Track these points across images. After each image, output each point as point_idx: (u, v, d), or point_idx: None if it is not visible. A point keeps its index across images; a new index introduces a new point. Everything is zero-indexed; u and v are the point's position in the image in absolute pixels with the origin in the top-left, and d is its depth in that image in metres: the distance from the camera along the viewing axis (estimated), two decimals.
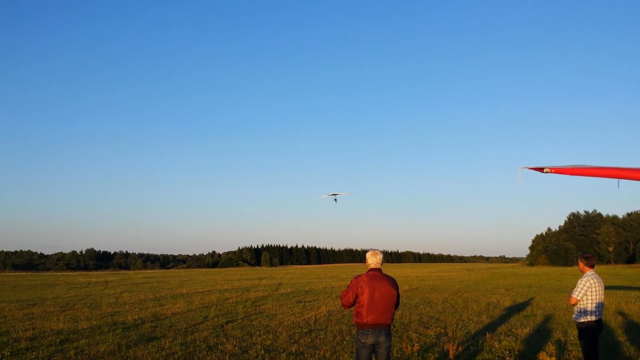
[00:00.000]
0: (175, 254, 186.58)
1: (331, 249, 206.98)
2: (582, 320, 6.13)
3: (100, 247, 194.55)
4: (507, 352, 8.48)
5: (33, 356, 8.34)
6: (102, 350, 8.76)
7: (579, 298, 6.12)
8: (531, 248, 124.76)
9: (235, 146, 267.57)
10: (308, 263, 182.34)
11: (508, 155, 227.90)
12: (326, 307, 15.86)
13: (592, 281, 6.09)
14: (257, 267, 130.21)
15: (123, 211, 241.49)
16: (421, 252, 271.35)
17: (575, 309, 6.25)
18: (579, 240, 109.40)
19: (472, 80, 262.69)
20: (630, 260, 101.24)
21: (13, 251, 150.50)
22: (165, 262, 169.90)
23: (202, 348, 8.95)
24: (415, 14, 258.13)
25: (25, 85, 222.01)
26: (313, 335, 10.33)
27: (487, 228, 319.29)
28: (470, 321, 12.56)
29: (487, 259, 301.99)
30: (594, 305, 6.06)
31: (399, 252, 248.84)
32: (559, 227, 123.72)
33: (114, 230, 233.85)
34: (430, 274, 50.86)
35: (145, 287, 29.07)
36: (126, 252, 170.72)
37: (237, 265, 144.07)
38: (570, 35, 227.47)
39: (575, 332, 8.03)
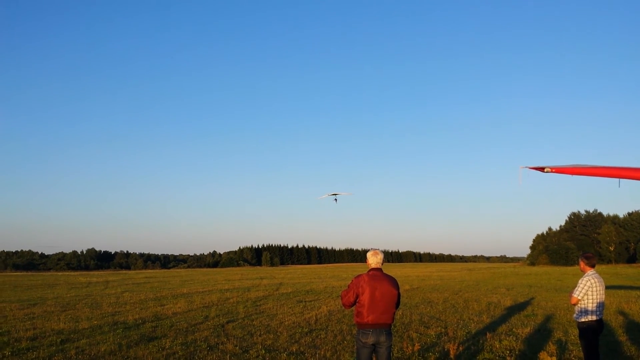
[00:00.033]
0: (176, 253, 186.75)
1: (332, 248, 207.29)
2: (582, 319, 6.12)
3: (101, 247, 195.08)
4: (508, 352, 8.48)
5: (34, 356, 8.35)
6: (102, 350, 8.77)
7: (579, 298, 6.12)
8: (532, 248, 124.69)
9: (235, 146, 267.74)
10: (309, 263, 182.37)
11: (508, 154, 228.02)
12: (327, 306, 15.86)
13: (592, 281, 6.08)
14: (258, 267, 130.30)
15: (123, 211, 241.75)
16: (422, 252, 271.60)
17: (576, 308, 6.24)
18: (580, 240, 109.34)
19: (472, 80, 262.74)
20: (631, 259, 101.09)
21: (14, 251, 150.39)
22: (166, 262, 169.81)
23: (203, 348, 8.95)
24: (415, 14, 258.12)
25: (25, 85, 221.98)
26: (314, 335, 10.34)
27: (487, 228, 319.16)
28: (471, 321, 12.56)
29: (488, 259, 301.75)
30: (595, 304, 6.06)
31: (400, 251, 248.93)
32: (560, 226, 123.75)
33: (114, 230, 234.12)
34: (431, 274, 50.86)
35: (146, 287, 29.10)
36: (127, 252, 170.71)
37: (238, 265, 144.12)
38: (570, 35, 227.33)
39: (576, 331, 8.03)
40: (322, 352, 8.49)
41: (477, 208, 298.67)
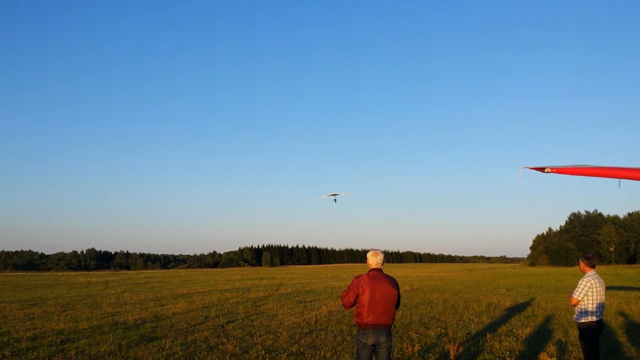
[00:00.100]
0: (176, 254, 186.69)
1: (332, 249, 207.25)
2: (582, 320, 6.12)
3: (101, 247, 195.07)
4: (508, 353, 8.48)
5: (34, 356, 8.34)
6: (102, 350, 8.77)
7: (579, 298, 6.11)
8: (532, 248, 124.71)
9: (235, 146, 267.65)
10: (309, 263, 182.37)
11: (508, 154, 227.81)
12: (327, 307, 15.86)
13: (593, 281, 6.08)
14: (258, 267, 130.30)
15: (123, 211, 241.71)
16: (422, 252, 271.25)
17: (576, 309, 6.24)
18: (580, 241, 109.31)
19: (472, 80, 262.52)
20: (631, 260, 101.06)
21: (14, 251, 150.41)
22: (166, 262, 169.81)
23: (203, 348, 8.95)
24: (415, 14, 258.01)
25: (25, 85, 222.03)
26: (314, 335, 10.33)
27: (487, 228, 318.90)
28: (471, 321, 12.55)
29: (488, 259, 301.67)
30: (595, 305, 6.05)
31: (400, 252, 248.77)
32: (560, 227, 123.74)
33: (114, 230, 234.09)
34: (431, 274, 50.85)
35: (146, 287, 29.10)
36: (127, 252, 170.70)
37: (238, 265, 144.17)
38: (570, 35, 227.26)
39: (576, 332, 8.03)
40: (322, 353, 8.49)
41: (477, 208, 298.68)
